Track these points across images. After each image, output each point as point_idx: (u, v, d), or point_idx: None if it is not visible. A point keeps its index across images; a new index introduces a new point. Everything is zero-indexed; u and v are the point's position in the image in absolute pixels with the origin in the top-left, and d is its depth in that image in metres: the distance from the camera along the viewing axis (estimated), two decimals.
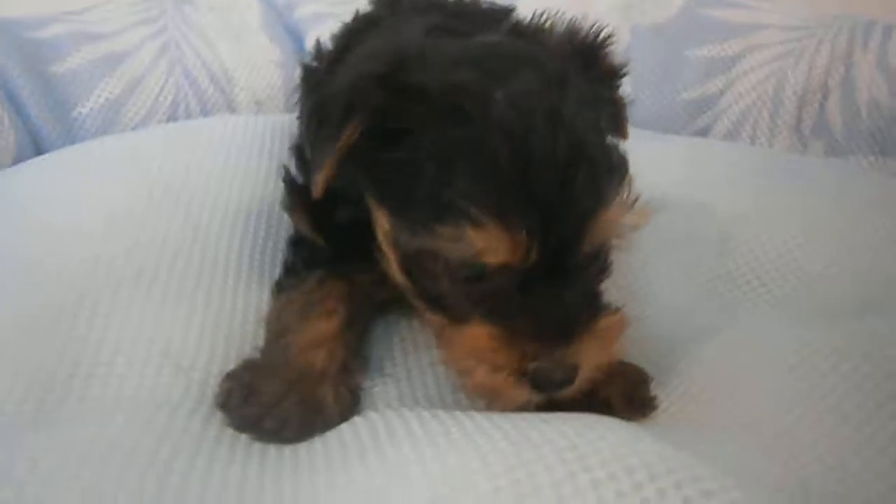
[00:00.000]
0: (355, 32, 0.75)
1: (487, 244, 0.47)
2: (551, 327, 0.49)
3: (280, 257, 0.70)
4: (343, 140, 0.51)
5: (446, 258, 0.50)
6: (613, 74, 0.61)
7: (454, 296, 0.52)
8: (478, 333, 0.51)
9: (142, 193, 0.69)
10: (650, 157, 0.97)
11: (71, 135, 0.95)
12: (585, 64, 0.58)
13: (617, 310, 0.54)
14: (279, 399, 0.53)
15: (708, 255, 0.75)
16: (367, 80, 0.51)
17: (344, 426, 0.52)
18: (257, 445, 0.50)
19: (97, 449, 0.43)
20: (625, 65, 0.63)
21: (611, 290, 0.73)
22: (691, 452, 0.43)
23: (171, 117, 1.03)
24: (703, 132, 1.12)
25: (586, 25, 0.61)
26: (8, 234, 0.62)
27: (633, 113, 1.17)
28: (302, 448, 0.50)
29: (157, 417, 0.48)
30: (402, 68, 0.52)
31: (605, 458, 0.41)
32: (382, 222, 0.55)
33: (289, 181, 0.67)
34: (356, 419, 0.53)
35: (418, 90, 0.50)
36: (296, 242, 0.67)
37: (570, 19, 0.62)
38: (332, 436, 0.51)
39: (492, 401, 0.53)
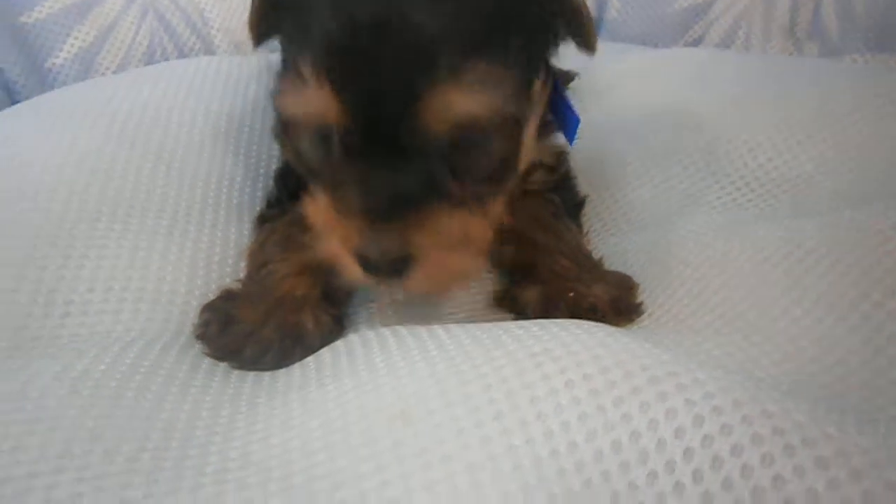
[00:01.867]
0: None
1: (307, 98, 0.46)
2: (375, 203, 0.47)
3: (258, 195, 0.69)
4: None
5: (293, 122, 0.51)
6: None
7: (305, 161, 0.52)
8: (314, 201, 0.51)
9: (112, 133, 0.67)
10: (639, 70, 0.96)
11: (45, 87, 0.93)
12: None
13: (481, 210, 0.51)
14: (259, 326, 0.53)
15: (694, 163, 0.73)
16: None
17: (324, 350, 0.52)
18: (235, 373, 0.50)
19: (64, 384, 0.42)
20: None
21: (594, 201, 0.73)
22: (678, 353, 0.42)
23: (148, 64, 1.01)
24: (696, 42, 1.08)
25: None
26: None
27: (624, 28, 1.15)
28: (281, 373, 0.50)
29: (129, 351, 0.48)
30: None
31: (580, 360, 0.40)
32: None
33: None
34: (337, 343, 0.53)
35: None
36: (283, 174, 0.66)
37: None
38: (310, 359, 0.51)
39: (341, 271, 0.51)
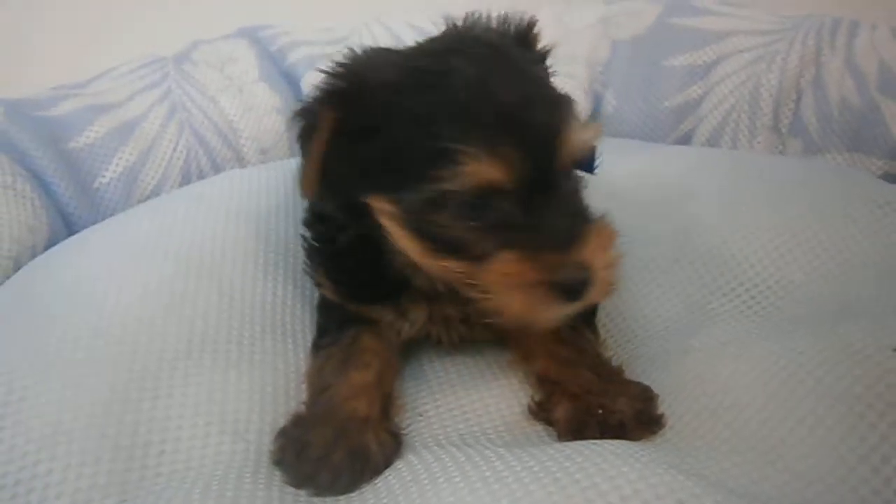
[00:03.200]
0: None
1: (480, 168, 0.55)
2: (560, 236, 0.57)
3: (307, 316, 0.77)
4: (320, 135, 0.60)
5: (452, 202, 0.57)
6: (545, 53, 0.71)
7: (469, 237, 0.59)
8: (504, 261, 0.57)
9: (178, 267, 0.75)
10: (638, 172, 1.04)
11: (94, 206, 1.00)
12: (520, 45, 0.68)
13: (602, 217, 0.62)
14: (329, 450, 0.60)
15: (697, 271, 0.81)
16: (328, 85, 0.62)
17: (389, 472, 0.59)
18: (316, 501, 0.56)
19: None
20: (552, 46, 0.72)
21: (607, 306, 0.81)
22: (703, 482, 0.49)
23: (185, 176, 1.10)
24: (687, 138, 1.18)
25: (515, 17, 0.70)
26: (62, 321, 0.68)
27: (620, 123, 1.25)
28: (355, 498, 0.57)
29: (227, 484, 0.55)
30: (360, 71, 0.62)
31: (623, 494, 0.47)
32: (383, 207, 0.61)
33: (309, 247, 0.73)
34: (398, 464, 0.60)
35: (380, 84, 0.59)
36: (325, 306, 0.74)
37: (499, 14, 0.70)
38: (379, 482, 0.58)
39: (532, 323, 0.59)
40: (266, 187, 0.95)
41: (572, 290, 0.57)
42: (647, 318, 0.80)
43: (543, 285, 0.56)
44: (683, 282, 0.82)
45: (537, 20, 0.70)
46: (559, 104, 0.59)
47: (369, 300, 0.70)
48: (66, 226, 0.98)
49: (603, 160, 1.11)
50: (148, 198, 1.04)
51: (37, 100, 1.05)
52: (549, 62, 0.72)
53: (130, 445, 0.58)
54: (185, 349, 0.67)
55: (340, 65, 0.63)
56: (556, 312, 0.58)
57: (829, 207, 0.83)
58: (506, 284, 0.57)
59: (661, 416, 0.64)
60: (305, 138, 0.62)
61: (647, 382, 0.67)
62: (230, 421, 0.63)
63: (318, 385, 0.67)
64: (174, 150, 1.09)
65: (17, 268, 0.86)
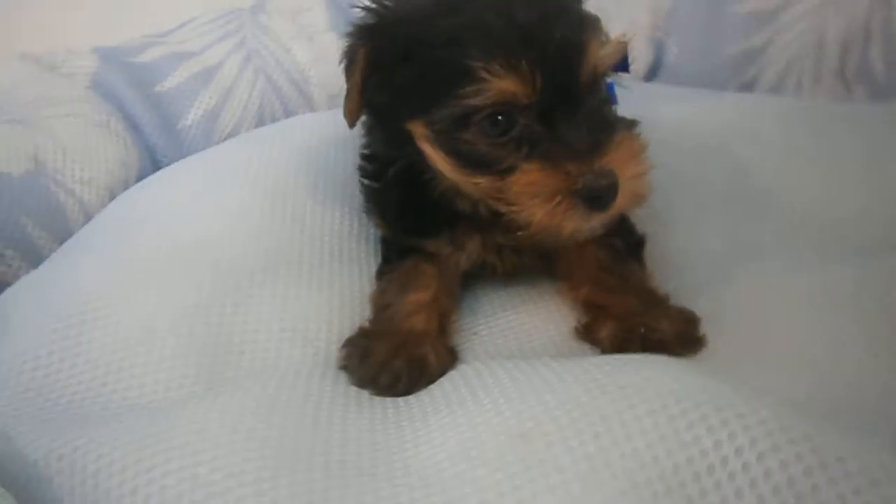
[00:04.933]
0: None
1: (499, 83, 0.59)
2: (582, 146, 0.60)
3: (371, 246, 0.83)
4: (358, 67, 0.65)
5: (476, 120, 0.61)
6: None
7: (495, 153, 0.63)
8: (526, 172, 0.61)
9: (256, 194, 0.82)
10: (695, 118, 1.05)
11: (178, 146, 1.09)
12: None
13: (631, 125, 0.65)
14: (390, 358, 0.65)
15: (748, 210, 0.83)
16: (362, 21, 0.67)
17: (443, 379, 0.64)
18: (376, 399, 0.62)
19: (262, 406, 0.56)
20: None
21: (657, 243, 0.83)
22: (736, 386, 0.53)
23: (259, 120, 1.17)
24: (749, 86, 1.17)
25: None
26: (154, 237, 0.76)
27: (681, 71, 1.25)
28: (413, 400, 0.62)
29: (299, 381, 0.61)
30: (387, 5, 0.67)
31: (659, 391, 0.51)
32: (419, 131, 0.66)
33: (364, 188, 0.79)
34: (452, 372, 0.65)
35: (407, 14, 0.65)
36: (387, 240, 0.80)
37: None
38: (434, 387, 0.63)
39: (558, 234, 0.62)
40: (334, 130, 1.00)
41: (595, 198, 0.59)
42: (694, 251, 0.82)
43: (565, 193, 0.59)
44: (733, 220, 0.84)
45: None
46: (581, 22, 0.62)
47: (424, 234, 0.75)
48: (152, 163, 1.07)
49: (658, 105, 1.14)
50: (226, 139, 1.11)
51: (127, 47, 1.13)
52: None
53: (214, 344, 0.65)
54: (261, 265, 0.74)
55: (373, 4, 0.68)
56: (581, 221, 0.60)
57: (885, 152, 0.83)
58: (529, 195, 0.61)
59: (703, 336, 0.67)
60: (347, 71, 0.67)
61: (690, 308, 0.71)
62: (301, 329, 0.70)
63: (381, 304, 0.73)
64: (249, 95, 1.16)
65: (111, 198, 0.95)
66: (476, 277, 0.82)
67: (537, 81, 0.59)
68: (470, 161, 0.64)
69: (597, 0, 1.29)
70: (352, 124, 0.72)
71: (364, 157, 0.79)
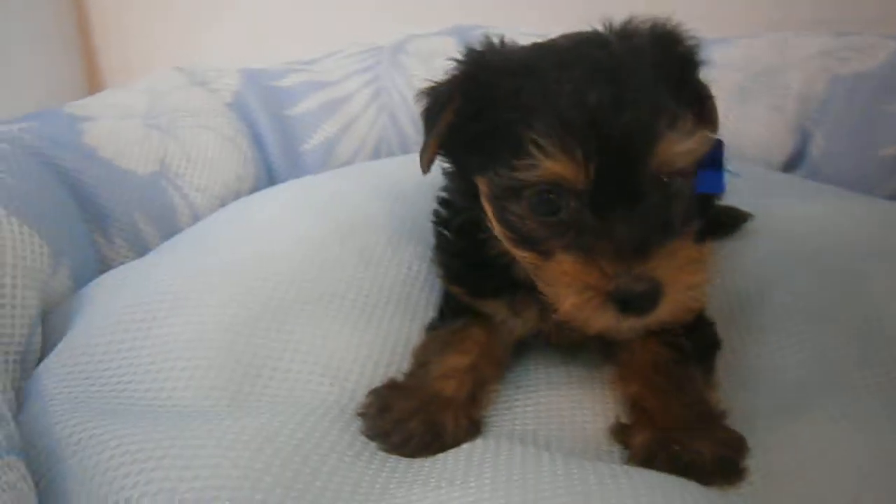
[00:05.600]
0: None
1: (551, 164, 0.57)
2: (627, 246, 0.56)
3: (434, 297, 0.83)
4: (445, 116, 0.65)
5: (527, 194, 0.60)
6: (689, 51, 0.68)
7: (539, 232, 0.61)
8: (562, 261, 0.59)
9: (331, 229, 0.85)
10: (822, 218, 0.95)
11: (296, 168, 1.16)
12: (664, 50, 0.65)
13: (695, 237, 0.60)
14: (408, 418, 0.65)
15: (851, 335, 0.73)
16: (455, 72, 0.67)
17: (454, 450, 0.62)
18: (378, 454, 0.62)
19: (262, 436, 0.58)
20: (698, 47, 0.68)
21: (734, 349, 0.76)
22: None
23: (375, 153, 1.22)
24: None
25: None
26: (228, 251, 0.81)
27: (825, 167, 1.14)
28: (415, 464, 0.61)
29: (310, 417, 0.62)
30: (483, 59, 0.66)
31: None
32: (483, 188, 0.65)
33: (435, 234, 0.79)
34: (466, 445, 0.63)
35: (495, 71, 0.64)
36: (447, 294, 0.79)
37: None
38: (440, 456, 0.62)
39: (584, 327, 0.59)
40: (435, 175, 1.02)
41: (629, 302, 0.55)
42: (774, 369, 0.74)
43: (596, 291, 0.56)
44: (828, 344, 0.74)
45: (690, 31, 0.68)
46: (658, 112, 0.58)
47: (481, 294, 0.74)
48: (269, 180, 1.15)
49: (789, 200, 1.04)
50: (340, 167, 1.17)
51: (271, 71, 1.23)
52: (698, 59, 0.69)
53: (247, 364, 0.68)
54: (315, 296, 0.76)
55: (468, 52, 0.68)
56: (611, 322, 0.57)
57: None
58: (563, 283, 0.58)
59: (744, 469, 0.60)
60: (430, 116, 0.68)
61: (748, 433, 0.63)
62: (334, 367, 0.71)
63: (419, 360, 0.73)
64: (370, 129, 1.21)
65: (221, 205, 1.03)
66: (531, 347, 0.80)
67: (590, 168, 0.57)
68: (517, 233, 0.63)
69: (741, 80, 1.23)
70: (426, 170, 0.72)
71: (440, 201, 0.80)
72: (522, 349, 0.79)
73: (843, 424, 0.60)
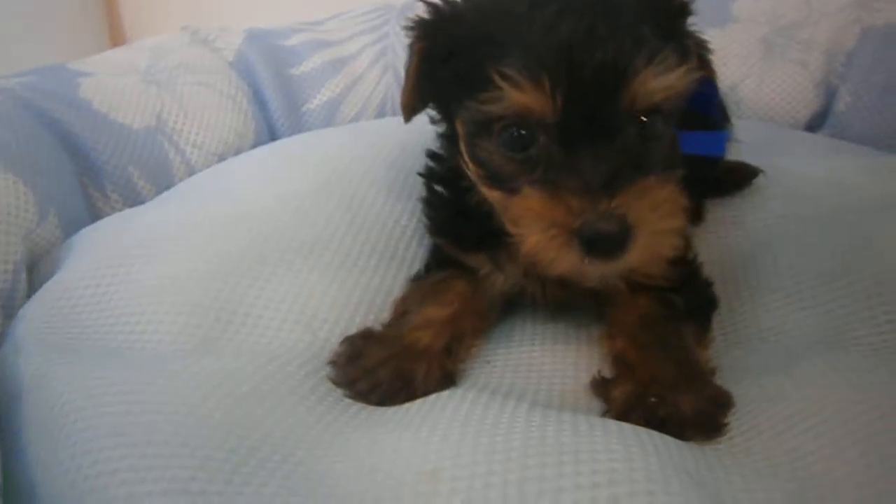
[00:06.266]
0: None
1: (518, 95, 0.54)
2: (595, 182, 0.53)
3: (421, 250, 0.80)
4: (412, 62, 0.63)
5: (496, 129, 0.57)
6: (682, 4, 0.63)
7: (509, 168, 0.58)
8: (527, 196, 0.56)
9: (317, 182, 0.83)
10: (839, 177, 0.89)
11: (299, 127, 1.15)
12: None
13: (670, 176, 0.56)
14: (378, 366, 0.63)
15: (857, 293, 0.68)
16: (419, 19, 0.64)
17: (419, 401, 0.60)
18: (342, 401, 0.60)
19: (218, 376, 0.56)
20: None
21: (734, 306, 0.72)
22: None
23: (380, 112, 1.19)
24: None
25: None
26: (215, 202, 0.80)
27: (850, 124, 1.07)
28: (378, 409, 0.59)
29: (274, 362, 0.61)
30: (449, 4, 0.63)
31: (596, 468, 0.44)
32: (459, 129, 0.63)
33: (425, 187, 0.76)
34: (433, 396, 0.61)
35: (459, 13, 0.62)
36: (434, 247, 0.77)
37: None
38: (405, 406, 0.59)
39: (548, 267, 0.56)
40: (429, 134, 0.99)
41: (596, 242, 0.52)
42: (773, 330, 0.70)
43: (561, 228, 0.53)
44: (832, 303, 0.69)
45: None
46: (637, 44, 0.54)
47: (465, 244, 0.71)
48: (272, 139, 1.13)
49: (809, 158, 0.98)
50: None
51: (277, 31, 1.22)
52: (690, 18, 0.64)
53: (219, 310, 0.67)
54: (297, 246, 0.75)
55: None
56: (576, 263, 0.54)
57: None
58: (527, 220, 0.55)
59: (725, 425, 0.56)
60: (406, 66, 0.66)
61: (736, 390, 0.60)
62: (308, 315, 0.69)
63: (399, 311, 0.71)
64: (375, 88, 1.19)
65: (219, 161, 1.02)
66: (520, 306, 0.77)
67: (558, 99, 0.54)
68: (488, 170, 0.61)
69: (766, 34, 1.17)
70: (407, 119, 0.70)
71: (429, 154, 0.77)
72: (511, 308, 0.77)
73: (834, 378, 0.56)
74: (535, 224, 0.55)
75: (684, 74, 0.56)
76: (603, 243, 0.53)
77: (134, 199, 0.93)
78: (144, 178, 0.94)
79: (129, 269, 0.71)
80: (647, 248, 0.54)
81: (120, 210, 0.93)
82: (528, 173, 0.57)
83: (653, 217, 0.53)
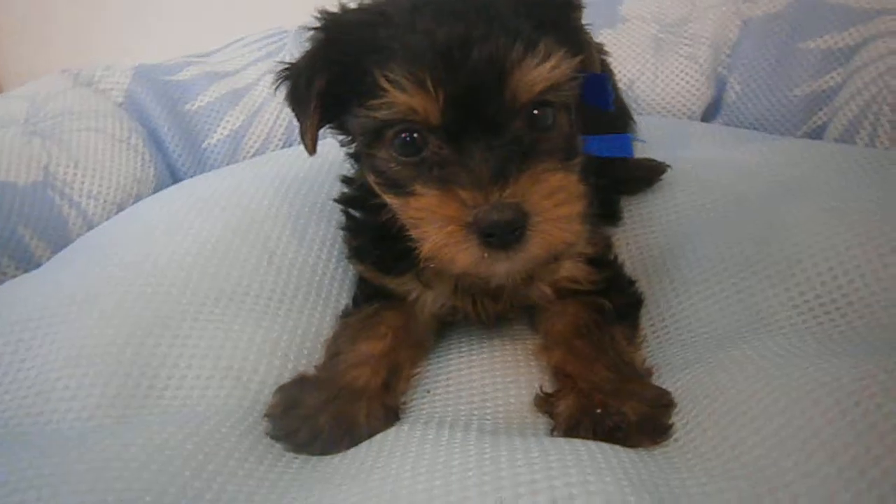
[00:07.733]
0: None
1: (403, 98, 0.55)
2: (485, 174, 0.54)
3: (347, 282, 0.78)
4: (313, 95, 0.62)
5: (389, 136, 0.58)
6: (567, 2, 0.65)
7: (404, 173, 0.59)
8: (421, 196, 0.57)
9: (231, 226, 0.79)
10: (739, 165, 0.93)
11: (201, 164, 1.10)
12: None
13: (567, 165, 0.58)
14: (316, 413, 0.60)
15: (770, 278, 0.71)
16: (315, 44, 0.63)
17: (364, 445, 0.58)
18: (286, 455, 0.57)
19: (147, 451, 0.52)
20: None
21: (658, 303, 0.74)
22: None
23: (287, 141, 1.15)
24: (818, 132, 1.03)
25: None
26: (119, 258, 0.75)
27: (742, 112, 1.13)
28: (323, 460, 0.57)
29: (205, 425, 0.57)
30: (338, 19, 0.64)
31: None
32: (357, 141, 0.64)
33: (341, 212, 0.74)
34: (379, 436, 0.59)
35: (353, 25, 0.61)
36: (359, 279, 0.75)
37: None
38: (354, 451, 0.57)
39: (450, 266, 0.56)
40: (338, 159, 0.97)
41: (493, 233, 0.53)
42: (700, 321, 0.72)
43: (457, 224, 0.53)
44: (752, 288, 0.72)
45: None
46: (514, 42, 0.55)
47: (389, 268, 0.70)
48: (173, 180, 1.08)
49: (709, 148, 1.02)
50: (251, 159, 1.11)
51: (166, 65, 1.16)
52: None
53: (139, 375, 0.63)
54: (214, 298, 0.71)
55: (322, 16, 0.64)
56: (477, 258, 0.54)
57: None
58: (424, 220, 0.56)
59: (670, 426, 0.57)
60: (298, 96, 0.64)
61: (674, 388, 0.61)
62: (236, 369, 0.66)
63: (331, 351, 0.69)
64: (278, 116, 1.15)
65: (119, 211, 0.96)
66: (453, 326, 0.76)
67: (441, 99, 0.55)
68: (384, 177, 0.61)
69: (655, 32, 1.21)
70: (311, 151, 0.67)
71: (342, 179, 0.76)
72: (445, 330, 0.76)
73: (766, 366, 0.58)
74: (431, 223, 0.55)
75: (562, 62, 0.57)
76: (500, 234, 0.53)
77: (28, 263, 0.86)
78: (37, 237, 0.87)
79: (30, 343, 0.65)
80: (547, 237, 0.54)
81: (13, 275, 0.86)
82: (422, 176, 0.57)
83: (548, 204, 0.54)
